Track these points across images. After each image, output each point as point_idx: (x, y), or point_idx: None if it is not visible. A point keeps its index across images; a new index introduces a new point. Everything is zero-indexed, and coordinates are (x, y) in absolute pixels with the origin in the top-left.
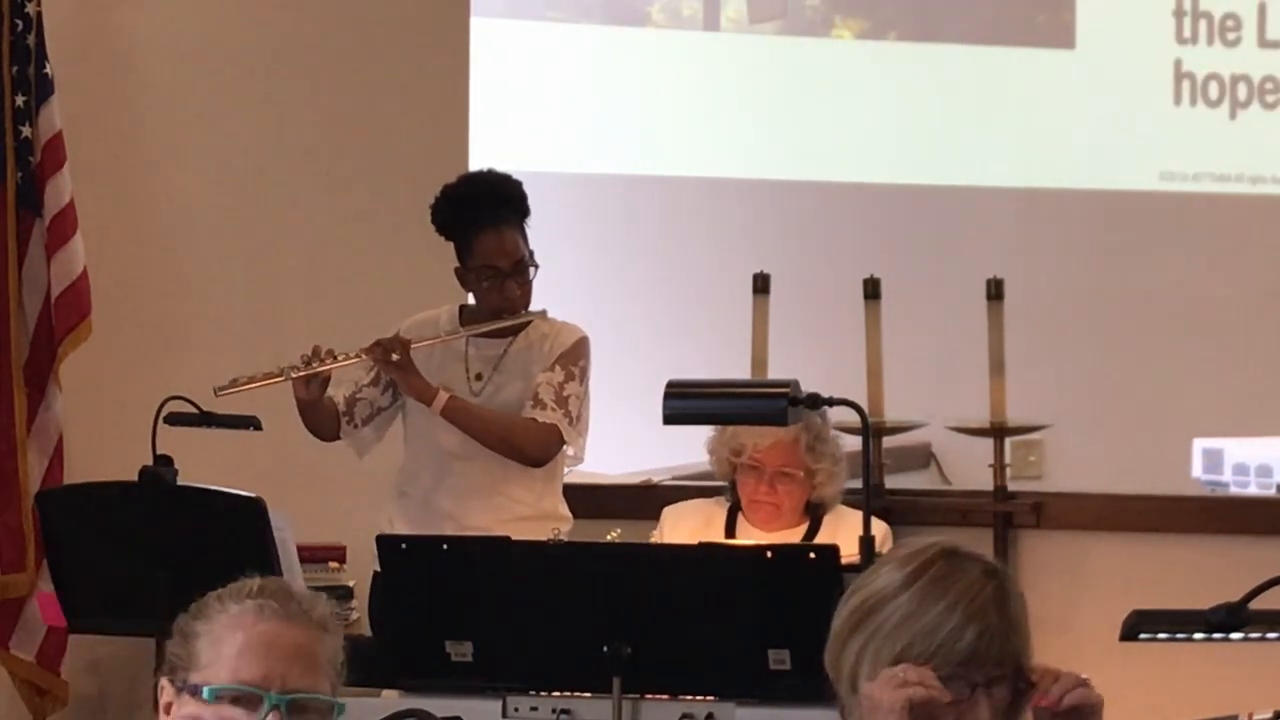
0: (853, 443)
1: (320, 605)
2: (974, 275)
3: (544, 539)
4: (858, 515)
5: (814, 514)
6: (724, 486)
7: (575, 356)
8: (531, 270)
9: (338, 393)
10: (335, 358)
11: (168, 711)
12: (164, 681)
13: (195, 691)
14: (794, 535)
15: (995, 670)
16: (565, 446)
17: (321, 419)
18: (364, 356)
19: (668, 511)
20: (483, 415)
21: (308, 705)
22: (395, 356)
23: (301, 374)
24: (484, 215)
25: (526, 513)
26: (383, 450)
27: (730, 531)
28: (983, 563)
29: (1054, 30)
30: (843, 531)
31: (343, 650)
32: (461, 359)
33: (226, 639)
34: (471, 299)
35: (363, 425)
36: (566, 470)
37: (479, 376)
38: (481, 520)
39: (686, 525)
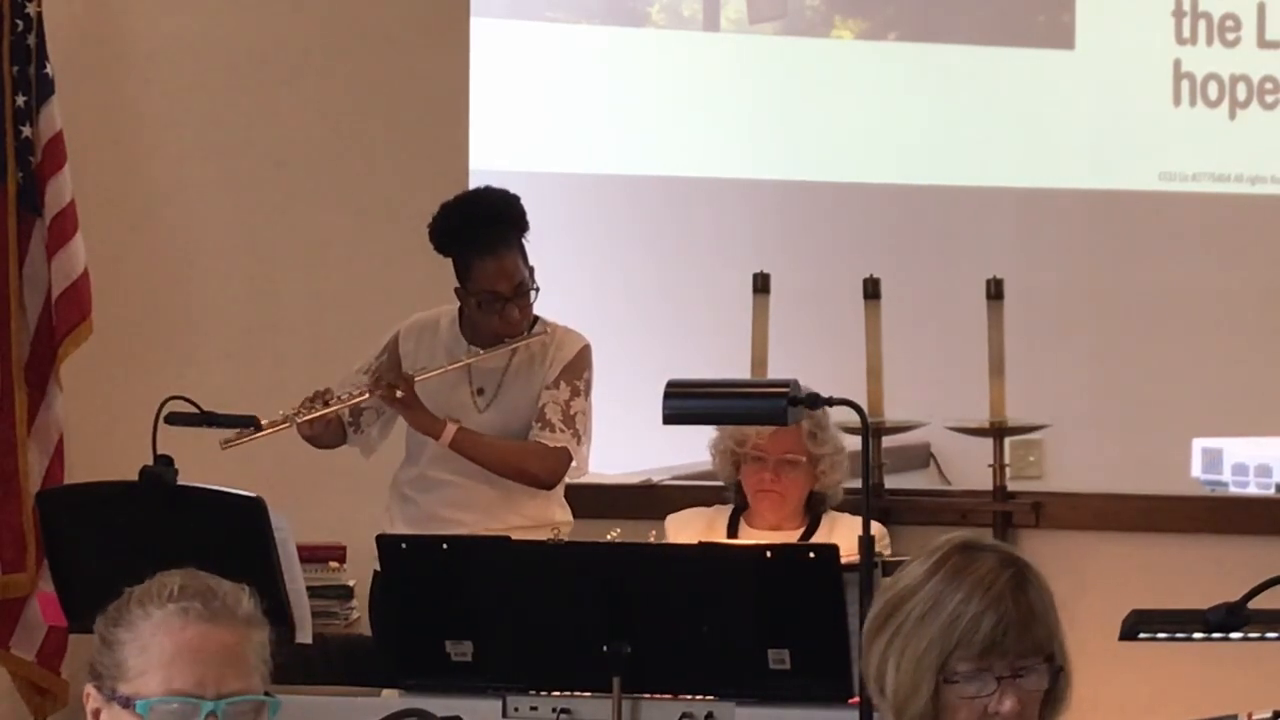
0: (853, 443)
1: (244, 600)
2: (974, 275)
3: (544, 539)
4: (855, 521)
5: (813, 514)
6: (723, 488)
7: (579, 369)
8: (532, 293)
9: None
10: (339, 398)
11: (96, 717)
12: (90, 689)
13: (127, 704)
14: (792, 538)
15: (1019, 661)
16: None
17: (327, 440)
18: (367, 395)
19: (671, 519)
20: (491, 445)
21: (243, 706)
22: (400, 394)
23: (306, 419)
24: (483, 239)
25: (529, 523)
26: (383, 447)
27: (733, 535)
28: (1000, 552)
29: (1054, 30)
30: (837, 536)
31: (270, 643)
32: (464, 374)
33: (153, 646)
34: None
35: (368, 428)
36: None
37: (481, 391)
38: (484, 530)
39: (689, 532)
